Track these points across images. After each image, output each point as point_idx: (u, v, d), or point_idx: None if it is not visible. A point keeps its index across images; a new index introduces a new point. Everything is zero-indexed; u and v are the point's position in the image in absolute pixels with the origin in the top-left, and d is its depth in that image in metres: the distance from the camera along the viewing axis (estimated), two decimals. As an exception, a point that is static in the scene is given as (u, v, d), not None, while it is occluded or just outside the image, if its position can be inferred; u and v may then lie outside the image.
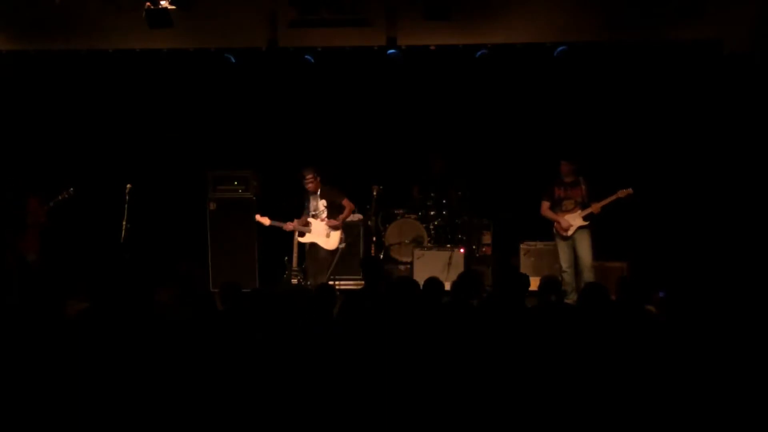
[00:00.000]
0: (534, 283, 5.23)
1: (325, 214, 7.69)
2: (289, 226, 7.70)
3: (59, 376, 3.47)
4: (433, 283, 4.97)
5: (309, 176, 7.61)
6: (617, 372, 3.53)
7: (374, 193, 8.38)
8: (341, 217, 7.71)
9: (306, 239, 7.74)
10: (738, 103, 8.15)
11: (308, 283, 7.68)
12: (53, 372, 3.49)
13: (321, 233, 7.69)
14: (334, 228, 7.69)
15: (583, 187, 7.60)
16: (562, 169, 7.65)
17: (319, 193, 7.71)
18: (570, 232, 7.57)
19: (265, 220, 7.82)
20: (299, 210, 7.89)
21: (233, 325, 4.29)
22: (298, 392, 3.45)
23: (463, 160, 9.27)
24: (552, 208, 7.71)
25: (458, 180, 9.07)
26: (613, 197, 7.46)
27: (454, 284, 5.13)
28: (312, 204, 7.72)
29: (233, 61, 8.58)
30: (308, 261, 7.86)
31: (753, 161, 8.13)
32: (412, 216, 9.08)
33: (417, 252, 8.59)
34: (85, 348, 3.75)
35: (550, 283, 5.11)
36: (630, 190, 7.41)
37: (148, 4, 7.49)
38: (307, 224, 7.70)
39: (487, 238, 9.10)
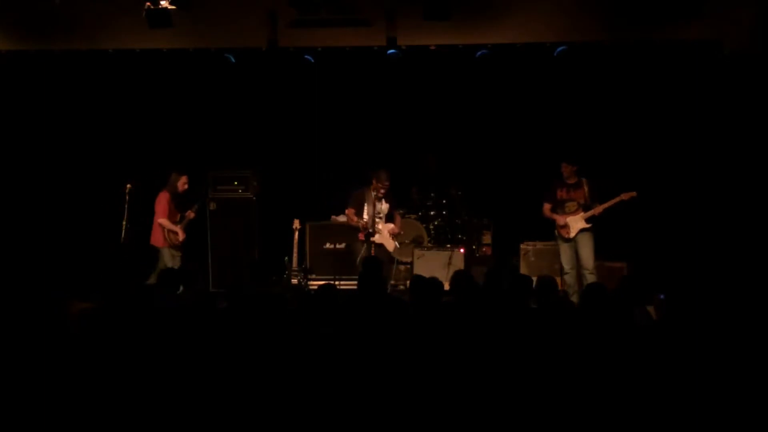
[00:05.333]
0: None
1: (385, 219, 7.74)
2: (362, 222, 7.63)
3: (60, 377, 3.47)
4: (433, 283, 4.97)
5: (389, 181, 7.62)
6: (615, 373, 3.53)
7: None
8: (400, 223, 7.89)
9: (377, 239, 7.69)
10: (738, 102, 8.15)
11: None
12: (54, 372, 3.49)
13: (386, 236, 7.73)
14: (397, 231, 7.85)
15: (586, 188, 7.52)
16: (563, 170, 7.57)
17: (384, 197, 7.72)
18: (572, 234, 7.50)
19: (358, 222, 7.71)
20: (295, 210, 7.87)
21: (234, 325, 4.29)
22: (298, 392, 3.45)
23: (464, 160, 9.28)
24: (554, 209, 7.63)
25: (458, 180, 9.07)
26: (616, 200, 7.37)
27: (451, 285, 5.15)
28: (377, 206, 7.68)
29: (233, 61, 8.59)
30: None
31: (753, 161, 8.13)
32: (412, 216, 9.08)
33: (417, 252, 8.59)
34: (85, 347, 3.75)
35: (547, 284, 5.11)
36: (633, 193, 7.33)
37: (148, 4, 7.48)
38: (376, 225, 7.68)
39: (487, 238, 9.12)
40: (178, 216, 7.95)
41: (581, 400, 3.36)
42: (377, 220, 7.67)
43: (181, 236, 7.85)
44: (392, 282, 8.67)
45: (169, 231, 7.82)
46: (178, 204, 7.98)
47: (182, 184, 7.95)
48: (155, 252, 7.90)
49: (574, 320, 4.31)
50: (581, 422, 3.31)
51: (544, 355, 3.68)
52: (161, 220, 7.82)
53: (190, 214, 8.00)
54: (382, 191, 7.62)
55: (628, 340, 3.84)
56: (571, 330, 4.07)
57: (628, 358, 3.62)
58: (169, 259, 7.82)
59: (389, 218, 7.78)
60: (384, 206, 7.72)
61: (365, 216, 7.64)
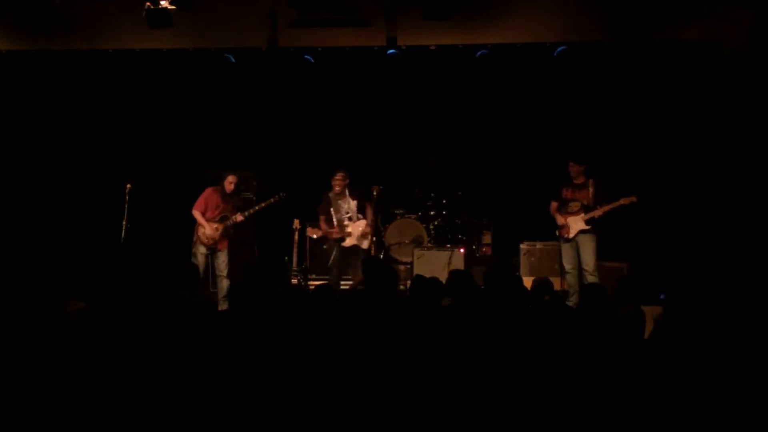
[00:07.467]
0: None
1: (356, 216, 7.72)
2: (335, 233, 7.64)
3: (58, 377, 3.47)
4: (433, 283, 4.96)
5: (340, 175, 7.62)
6: (614, 373, 3.53)
7: (374, 194, 8.37)
8: (370, 217, 7.80)
9: (347, 243, 7.70)
10: (738, 102, 8.14)
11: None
12: (53, 372, 3.50)
13: (358, 235, 7.72)
14: (369, 230, 7.79)
15: (591, 189, 7.44)
16: (570, 170, 7.51)
17: (348, 194, 7.72)
18: (571, 235, 7.45)
19: (317, 232, 7.79)
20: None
21: (234, 325, 4.29)
22: (297, 392, 3.45)
23: (464, 161, 9.27)
24: (559, 208, 7.57)
25: (458, 180, 9.07)
26: (616, 204, 7.30)
27: (449, 285, 5.14)
28: (342, 207, 7.70)
29: (233, 61, 8.59)
30: (343, 263, 7.80)
31: (753, 161, 8.12)
32: (412, 216, 9.09)
33: (417, 252, 8.59)
34: (83, 348, 3.75)
35: (542, 284, 5.11)
36: (633, 198, 7.26)
37: (148, 4, 7.49)
38: (345, 228, 7.68)
39: (487, 238, 9.12)
40: (218, 214, 7.69)
41: (575, 401, 3.36)
42: (347, 222, 7.67)
43: (209, 232, 7.56)
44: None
45: (198, 225, 7.62)
46: (228, 202, 7.74)
47: (228, 183, 7.68)
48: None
49: (567, 321, 4.30)
50: (576, 422, 3.31)
51: (535, 356, 3.68)
52: (193, 211, 7.64)
53: (237, 218, 7.71)
54: (337, 188, 7.63)
55: (620, 340, 3.84)
56: (564, 330, 4.07)
57: (622, 358, 3.61)
58: (193, 256, 7.63)
59: (362, 212, 7.78)
60: (352, 204, 7.72)
61: (334, 221, 7.64)
